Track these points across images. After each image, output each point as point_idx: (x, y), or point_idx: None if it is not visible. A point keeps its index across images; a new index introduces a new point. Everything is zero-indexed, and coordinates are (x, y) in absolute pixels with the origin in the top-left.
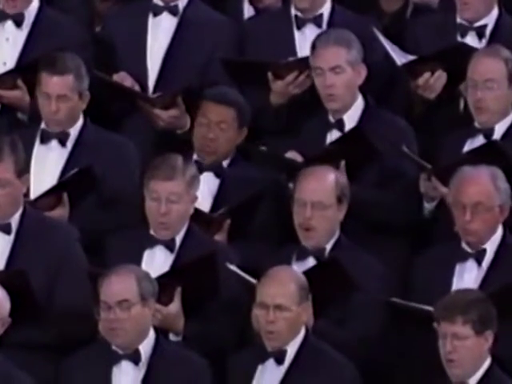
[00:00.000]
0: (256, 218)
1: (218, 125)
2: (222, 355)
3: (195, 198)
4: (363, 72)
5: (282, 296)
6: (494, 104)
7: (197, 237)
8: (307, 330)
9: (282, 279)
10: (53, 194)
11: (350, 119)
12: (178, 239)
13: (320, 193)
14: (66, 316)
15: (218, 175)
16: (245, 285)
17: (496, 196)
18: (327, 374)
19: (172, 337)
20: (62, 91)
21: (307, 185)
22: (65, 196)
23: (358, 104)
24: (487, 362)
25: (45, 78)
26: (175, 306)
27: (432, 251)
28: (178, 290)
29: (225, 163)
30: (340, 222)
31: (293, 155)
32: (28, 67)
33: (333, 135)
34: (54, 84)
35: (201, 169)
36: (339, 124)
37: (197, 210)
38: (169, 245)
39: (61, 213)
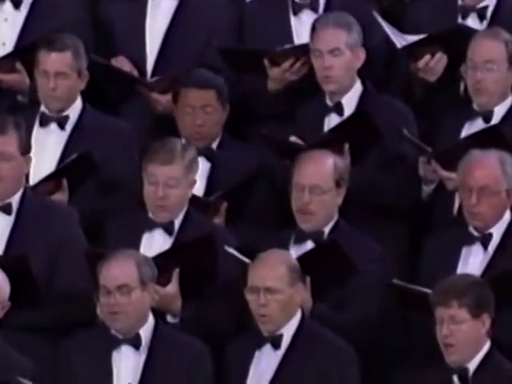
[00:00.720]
0: (251, 201)
1: (203, 109)
2: (220, 338)
3: (194, 182)
4: (362, 55)
5: (271, 278)
6: (494, 86)
7: (196, 220)
8: (303, 314)
9: (271, 262)
10: (52, 179)
11: (349, 103)
12: (177, 222)
13: (318, 177)
14: (66, 297)
15: (209, 159)
16: (243, 267)
17: (503, 180)
18: (325, 357)
19: (169, 318)
20: (60, 68)
21: (305, 169)
22: (64, 181)
23: (357, 87)
24: (486, 346)
25: (43, 55)
26: (173, 287)
27: (441, 234)
28: (176, 271)
29: (214, 145)
30: (338, 206)
31: (294, 140)
32: (27, 49)
33: (331, 119)
34: (52, 61)
35: None
36: (337, 107)
37: (192, 196)
38: (168, 228)
39: (60, 198)
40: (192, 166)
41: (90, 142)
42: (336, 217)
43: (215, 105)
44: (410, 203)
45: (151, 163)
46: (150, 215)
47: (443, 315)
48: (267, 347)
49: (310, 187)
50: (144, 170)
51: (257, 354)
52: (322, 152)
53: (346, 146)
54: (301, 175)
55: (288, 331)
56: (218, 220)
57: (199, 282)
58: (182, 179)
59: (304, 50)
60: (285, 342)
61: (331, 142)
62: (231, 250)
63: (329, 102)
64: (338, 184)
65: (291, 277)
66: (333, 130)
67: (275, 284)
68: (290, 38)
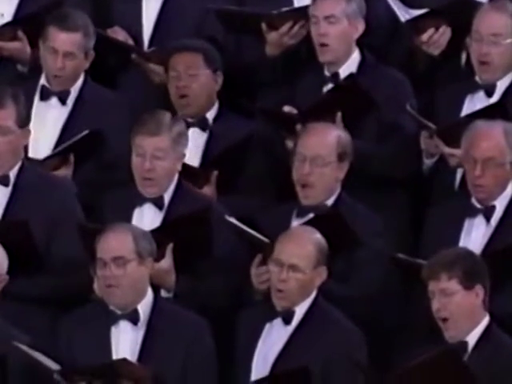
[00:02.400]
0: (246, 170)
1: (187, 71)
2: (216, 313)
3: (182, 156)
4: (360, 27)
5: (298, 256)
6: (499, 59)
7: (186, 194)
8: (318, 294)
9: (301, 239)
10: (61, 154)
11: (346, 73)
12: (167, 197)
13: (320, 148)
14: (63, 268)
15: (203, 129)
16: (245, 238)
17: (508, 152)
18: (333, 338)
19: (163, 293)
20: (69, 48)
21: (308, 140)
22: (71, 157)
23: (354, 58)
24: (485, 321)
25: (53, 32)
26: (167, 262)
27: (443, 206)
28: (170, 245)
29: (210, 117)
30: (341, 180)
31: (289, 110)
32: (29, 19)
33: (328, 88)
34: (62, 40)
35: (187, 125)
36: (334, 78)
37: (183, 165)
38: (157, 202)
39: (65, 173)
40: (180, 139)
41: (91, 117)
42: (338, 190)
43: (200, 67)
44: (408, 174)
45: (138, 135)
46: (140, 190)
47: (434, 289)
48: (278, 321)
49: (312, 158)
50: (132, 142)
51: (267, 326)
52: (326, 124)
53: (339, 115)
54: (303, 146)
55: (301, 308)
56: (209, 189)
57: (194, 256)
58: (169, 151)
59: (302, 13)
60: (296, 319)
61: (322, 109)
62: (232, 220)
63: (326, 73)
64: (340, 158)
65: (317, 258)
66: (323, 97)
67: (300, 263)
68: (291, 2)
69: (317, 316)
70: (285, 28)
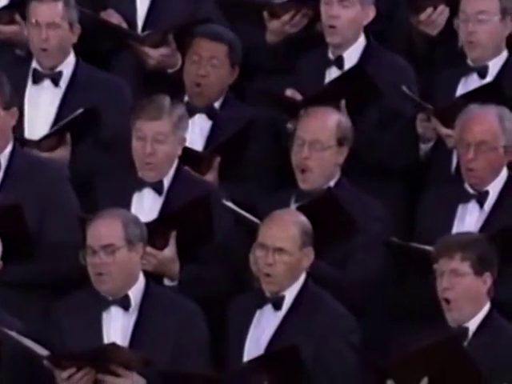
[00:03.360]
0: (248, 156)
1: (210, 61)
2: (217, 300)
3: (183, 140)
4: (371, 14)
5: (282, 239)
6: (486, 38)
7: (186, 179)
8: (308, 277)
9: (285, 222)
10: (57, 134)
11: (350, 57)
12: (166, 182)
13: (319, 132)
14: (54, 252)
15: (210, 117)
16: (243, 222)
17: (501, 136)
18: (325, 321)
19: (167, 282)
20: (51, 18)
21: (307, 124)
22: (68, 136)
23: (360, 42)
24: (486, 307)
25: (34, 6)
26: (170, 251)
27: (435, 191)
28: (173, 234)
29: (217, 104)
30: (341, 166)
31: (292, 93)
32: (24, 2)
33: (331, 72)
34: (43, 11)
35: (193, 111)
36: (338, 61)
37: (185, 149)
38: (157, 187)
39: (62, 153)
40: (181, 123)
41: (85, 98)
42: (338, 175)
43: (223, 59)
44: (406, 164)
45: (139, 119)
46: (139, 174)
47: (445, 267)
48: (268, 307)
49: (310, 142)
50: (132, 126)
51: (258, 313)
52: (327, 108)
53: (343, 102)
54: (302, 129)
55: (290, 293)
56: (212, 175)
57: (195, 244)
58: (169, 135)
59: (304, 2)
60: (286, 304)
61: (327, 97)
62: (230, 204)
63: (331, 55)
64: (340, 142)
65: (302, 240)
66: (329, 84)
67: (286, 245)
68: None
69: (307, 300)
70: (287, 17)
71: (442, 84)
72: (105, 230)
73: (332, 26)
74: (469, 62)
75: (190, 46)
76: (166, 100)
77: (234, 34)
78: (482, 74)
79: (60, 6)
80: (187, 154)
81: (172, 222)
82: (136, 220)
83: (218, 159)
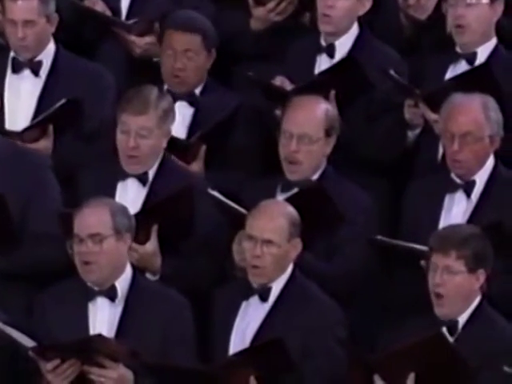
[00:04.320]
0: (233, 143)
1: (185, 54)
2: (201, 292)
3: (169, 133)
4: (368, 4)
5: (270, 230)
6: (475, 22)
7: (171, 170)
8: (295, 268)
9: (273, 213)
10: (39, 125)
11: (342, 46)
12: (151, 173)
13: (307, 126)
14: (37, 242)
15: (191, 104)
16: (227, 212)
17: (486, 126)
18: (312, 313)
19: (149, 276)
20: (27, 16)
21: (295, 116)
22: (50, 128)
23: (353, 31)
24: (477, 300)
25: (9, 3)
26: (152, 245)
27: (421, 181)
28: (155, 228)
29: (197, 91)
30: (327, 155)
31: (281, 81)
32: None
33: (322, 59)
34: (18, 9)
35: (174, 98)
36: (330, 49)
37: (172, 138)
38: (141, 178)
39: (45, 144)
40: (166, 117)
41: (66, 88)
42: (324, 165)
43: (198, 50)
44: (393, 157)
45: (124, 112)
46: (123, 166)
47: (439, 263)
48: (255, 299)
49: (299, 136)
50: (118, 118)
51: (244, 304)
52: (313, 98)
53: (333, 93)
54: (290, 122)
55: (277, 285)
56: (198, 163)
57: (177, 237)
58: (154, 129)
59: None
60: (273, 296)
61: (318, 87)
62: (215, 193)
63: (322, 42)
64: (327, 133)
65: (290, 231)
66: (320, 75)
67: (273, 237)
68: None
69: (294, 292)
70: (272, 4)
71: (430, 71)
72: (92, 218)
73: (326, 15)
74: (457, 48)
75: (163, 38)
76: (153, 92)
77: (205, 19)
78: (471, 60)
79: (35, 2)
80: (173, 143)
81: (153, 215)
82: (124, 209)
83: (203, 147)
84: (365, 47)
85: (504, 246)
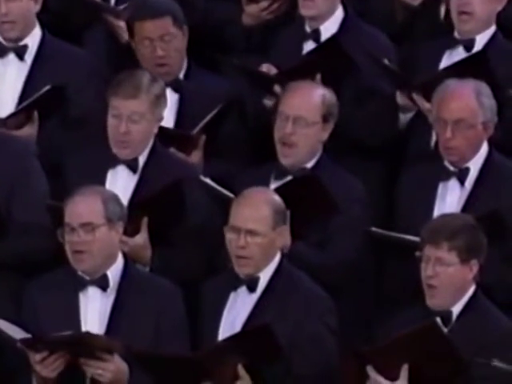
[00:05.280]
0: (223, 132)
1: (161, 39)
2: (192, 283)
3: (160, 118)
4: None
5: (254, 220)
6: (480, 9)
7: (162, 157)
8: (283, 257)
9: (255, 202)
10: (24, 112)
11: (327, 30)
12: (142, 159)
13: (304, 108)
14: (23, 231)
15: (176, 90)
16: (220, 200)
17: (479, 112)
18: (300, 303)
19: (139, 268)
20: None
21: (292, 99)
22: (35, 114)
23: (338, 15)
24: (471, 290)
25: None
26: (142, 237)
27: (414, 169)
28: (145, 220)
29: (181, 75)
30: (323, 143)
31: (267, 68)
32: None
33: (308, 46)
34: None
35: None
36: (315, 34)
37: (169, 130)
38: (131, 165)
39: (30, 131)
40: (159, 102)
41: (52, 73)
42: (320, 153)
43: (173, 31)
44: (384, 141)
45: (115, 96)
46: (114, 151)
47: (431, 255)
48: (243, 289)
49: (294, 118)
50: (108, 102)
51: (232, 295)
52: (312, 83)
53: (318, 77)
54: (286, 105)
55: (265, 275)
56: (197, 154)
57: (168, 228)
58: (146, 114)
59: None
60: (261, 286)
61: (303, 70)
62: (207, 180)
63: (307, 28)
64: (324, 119)
65: (275, 219)
66: (304, 57)
67: (258, 227)
68: None
69: (282, 281)
70: (264, 3)
71: (425, 57)
72: (84, 207)
73: None
74: (455, 34)
75: (134, 30)
76: (145, 77)
77: (170, 0)
78: (468, 47)
79: None
80: (172, 135)
81: (144, 208)
82: (116, 198)
83: (203, 138)
84: (351, 30)
85: (500, 235)
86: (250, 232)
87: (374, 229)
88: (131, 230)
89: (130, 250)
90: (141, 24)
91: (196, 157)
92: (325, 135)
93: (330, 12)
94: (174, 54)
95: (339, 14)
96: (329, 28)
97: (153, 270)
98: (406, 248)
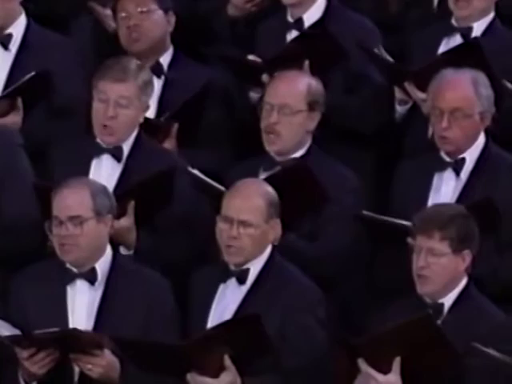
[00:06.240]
0: (203, 122)
1: (137, 9)
2: (180, 272)
3: (147, 107)
4: None
5: (247, 211)
6: None
7: (146, 147)
8: (273, 249)
9: (249, 193)
10: (7, 99)
11: (310, 18)
12: (126, 148)
13: (288, 96)
14: (11, 225)
15: (158, 76)
16: (209, 191)
17: (476, 102)
18: (290, 295)
19: (122, 250)
20: None
21: (276, 88)
22: (19, 101)
23: (320, 2)
24: (463, 282)
25: None
26: (127, 220)
27: (410, 160)
28: (131, 203)
29: (164, 63)
30: (312, 132)
31: (253, 59)
32: None
33: (292, 36)
34: None
35: None
36: (298, 24)
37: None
38: (116, 154)
39: (14, 119)
40: (146, 88)
41: (37, 62)
42: (309, 143)
43: (151, 5)
44: (377, 128)
45: (102, 80)
46: (98, 140)
47: (423, 245)
48: (232, 281)
49: (279, 106)
50: (95, 86)
51: (221, 287)
52: (298, 72)
53: (306, 63)
54: (271, 94)
55: (255, 266)
56: (169, 143)
57: (155, 214)
58: (133, 100)
59: None
60: (251, 278)
61: (289, 58)
62: (195, 172)
63: (289, 18)
64: (311, 107)
65: (268, 212)
66: (290, 44)
67: (251, 218)
68: None
69: (272, 274)
70: None
71: (420, 44)
72: (72, 200)
73: None
74: (453, 21)
75: (117, 7)
76: (133, 62)
77: None
78: (466, 34)
79: None
80: (143, 122)
81: (133, 193)
82: (105, 190)
83: (176, 126)
84: (336, 18)
85: (493, 224)
86: (243, 223)
87: (366, 212)
88: (117, 213)
89: (115, 232)
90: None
91: (168, 145)
92: (312, 124)
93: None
94: (150, 27)
95: (321, 1)
96: (312, 16)
97: (138, 253)
98: (398, 233)
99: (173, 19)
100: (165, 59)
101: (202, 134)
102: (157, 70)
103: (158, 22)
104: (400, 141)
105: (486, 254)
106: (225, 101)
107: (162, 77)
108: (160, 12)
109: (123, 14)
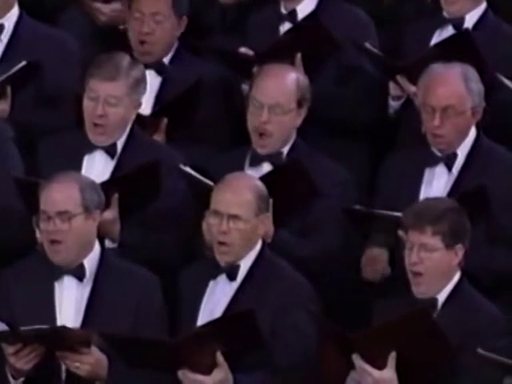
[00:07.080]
0: (199, 116)
1: (153, 17)
2: (166, 268)
3: (138, 104)
4: None
5: (237, 205)
6: None
7: (140, 142)
8: (264, 245)
9: (239, 187)
10: None
11: (304, 10)
12: (120, 144)
13: (279, 96)
14: (3, 218)
15: (159, 73)
16: (199, 188)
17: (468, 98)
18: (281, 291)
19: (107, 243)
20: None
21: (265, 85)
22: (8, 90)
23: None
24: (456, 277)
25: None
26: (111, 213)
27: (400, 154)
28: (116, 196)
29: (166, 60)
30: (297, 127)
31: (245, 52)
32: None
33: (285, 28)
34: None
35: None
36: (292, 15)
37: None
38: (109, 150)
39: (2, 107)
40: (137, 86)
41: (28, 54)
42: (294, 137)
43: (168, 13)
44: (370, 120)
45: (93, 78)
46: (89, 137)
47: (415, 240)
48: (223, 278)
49: (271, 106)
50: (86, 84)
51: (211, 283)
52: (284, 66)
53: (299, 56)
54: (260, 91)
55: (245, 262)
56: (159, 137)
57: (141, 208)
58: (124, 98)
59: None
60: (241, 274)
61: (282, 50)
62: (186, 169)
63: (283, 10)
64: (299, 104)
65: (258, 206)
66: (283, 36)
67: (240, 212)
68: None
69: (263, 270)
70: None
71: (413, 37)
72: (61, 195)
73: None
74: (444, 14)
75: (132, 1)
76: (125, 60)
77: None
78: (458, 26)
79: None
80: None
81: (118, 185)
82: (94, 185)
83: (165, 121)
84: (330, 10)
85: (484, 215)
86: (233, 217)
87: (355, 206)
88: None
89: (98, 224)
90: None
91: (157, 139)
92: (298, 121)
93: None
94: (160, 37)
95: None
96: (305, 8)
97: (124, 246)
98: (389, 226)
99: (184, 23)
100: (167, 57)
101: (196, 129)
102: (159, 67)
103: (170, 30)
104: (394, 134)
105: (477, 246)
106: (226, 96)
107: (162, 73)
108: (173, 19)
109: (137, 15)
